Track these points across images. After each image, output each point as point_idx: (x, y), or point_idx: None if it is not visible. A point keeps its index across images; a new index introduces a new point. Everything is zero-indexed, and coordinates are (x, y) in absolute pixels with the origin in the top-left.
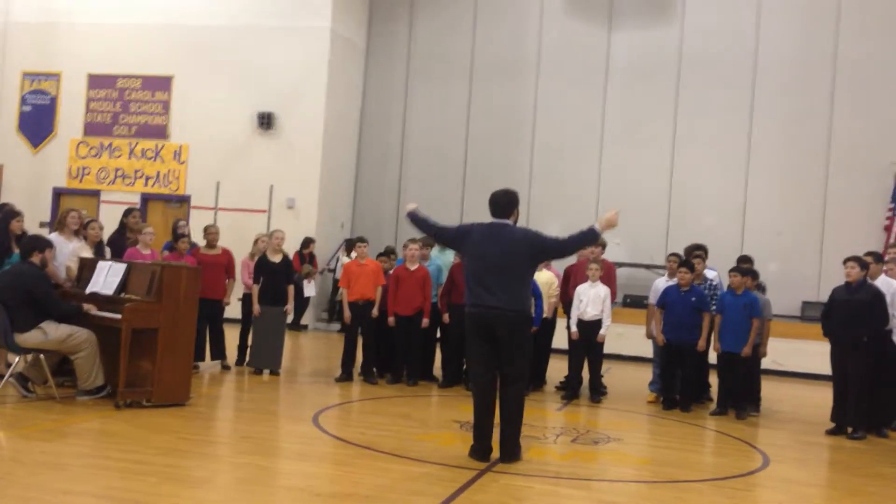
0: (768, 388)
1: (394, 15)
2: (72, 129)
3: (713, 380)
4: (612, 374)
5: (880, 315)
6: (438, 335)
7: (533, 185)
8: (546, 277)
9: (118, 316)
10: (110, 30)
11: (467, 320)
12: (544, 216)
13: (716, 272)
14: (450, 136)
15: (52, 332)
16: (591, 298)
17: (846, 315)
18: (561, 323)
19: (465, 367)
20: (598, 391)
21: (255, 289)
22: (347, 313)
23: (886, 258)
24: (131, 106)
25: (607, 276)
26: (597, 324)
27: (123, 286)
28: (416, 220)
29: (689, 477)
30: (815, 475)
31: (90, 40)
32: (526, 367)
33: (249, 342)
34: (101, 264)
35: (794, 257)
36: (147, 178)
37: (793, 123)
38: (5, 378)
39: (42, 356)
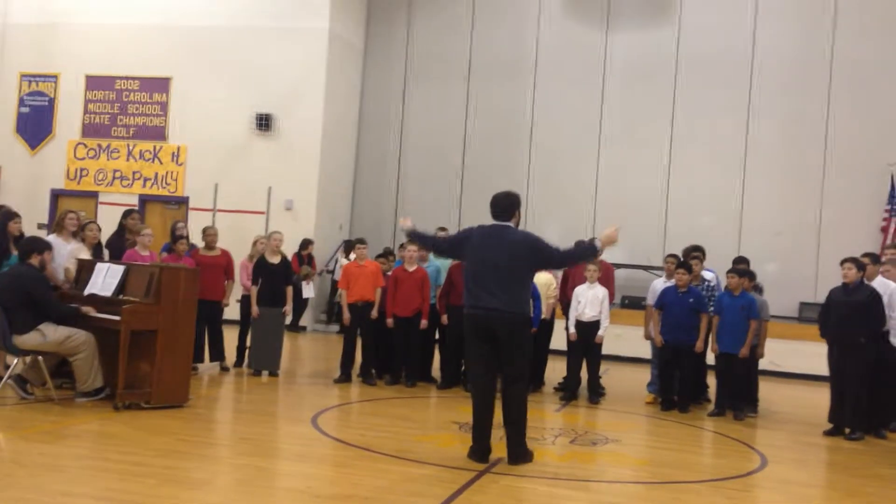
0: (766, 388)
1: (392, 16)
2: (70, 130)
3: (711, 381)
4: (610, 376)
5: (877, 316)
6: (437, 336)
7: (531, 185)
8: (544, 278)
9: (117, 317)
10: (108, 31)
11: (466, 321)
12: (542, 216)
13: (714, 273)
14: (448, 136)
15: (51, 334)
16: (590, 299)
17: (843, 316)
18: (559, 324)
19: (463, 368)
20: (596, 392)
21: (254, 290)
22: (347, 315)
23: (883, 259)
24: (129, 107)
25: (605, 277)
26: (595, 325)
27: (122, 288)
28: (415, 236)
29: (687, 478)
30: (813, 476)
31: (88, 41)
32: (526, 368)
33: (248, 343)
34: (99, 266)
35: (791, 258)
36: (145, 180)
37: (790, 124)
38: (4, 380)
39: (41, 358)
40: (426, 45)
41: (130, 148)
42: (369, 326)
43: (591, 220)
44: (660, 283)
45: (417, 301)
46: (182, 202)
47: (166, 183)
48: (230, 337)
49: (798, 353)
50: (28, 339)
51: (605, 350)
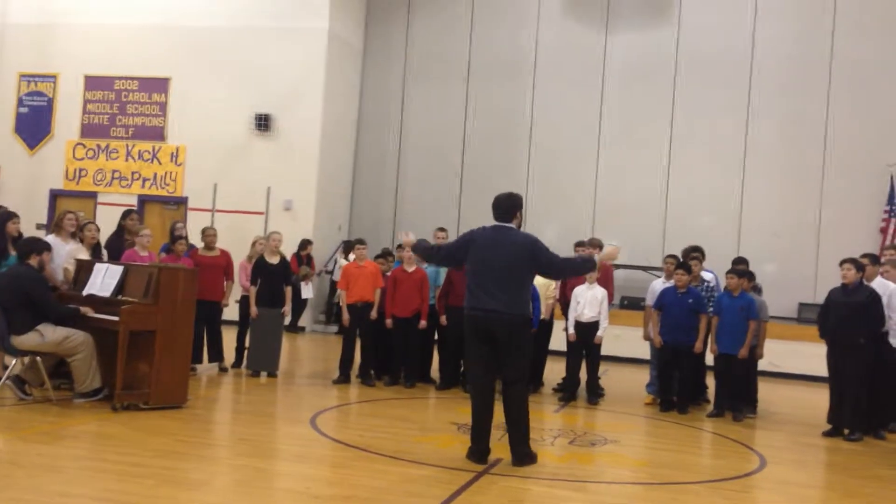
0: (765, 389)
1: (391, 16)
2: (69, 130)
3: (710, 381)
4: (609, 376)
5: (876, 317)
6: (436, 337)
7: (530, 185)
8: (543, 279)
9: (115, 318)
10: (107, 31)
11: (466, 322)
12: (542, 217)
13: (713, 274)
14: (447, 137)
15: (49, 335)
16: (589, 300)
17: (842, 317)
18: (558, 325)
19: (462, 368)
20: (595, 393)
21: (253, 291)
22: (346, 315)
23: (883, 260)
24: (128, 107)
25: (604, 277)
26: (594, 325)
27: (120, 288)
28: (420, 250)
29: (686, 479)
30: (812, 477)
31: (87, 42)
32: (526, 369)
33: (247, 344)
34: (97, 266)
35: (790, 259)
36: (144, 180)
37: (790, 124)
38: (2, 380)
39: (39, 358)
40: (425, 46)
41: (129, 148)
42: (368, 327)
43: (590, 221)
44: (659, 284)
45: (416, 302)
46: (181, 202)
47: (165, 183)
48: (229, 337)
49: (797, 354)
50: (26, 340)
51: (604, 351)
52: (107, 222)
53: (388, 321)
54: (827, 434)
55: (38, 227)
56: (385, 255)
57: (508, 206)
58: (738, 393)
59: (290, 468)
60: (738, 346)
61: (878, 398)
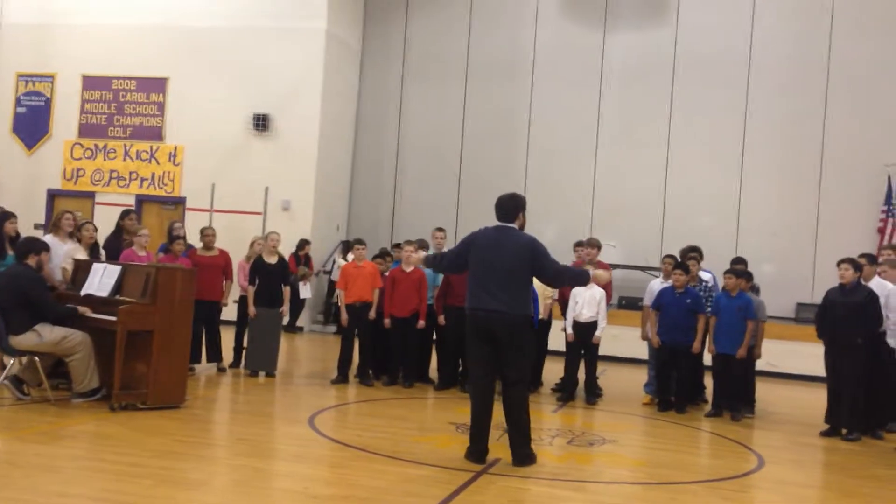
0: (763, 389)
1: (389, 16)
2: (66, 130)
3: (708, 381)
4: (607, 376)
5: (874, 317)
6: (434, 337)
7: (529, 186)
8: None
9: (113, 318)
10: (105, 31)
11: (468, 322)
12: (540, 217)
13: (711, 274)
14: (445, 137)
15: (47, 335)
16: (587, 300)
17: (840, 317)
18: (556, 325)
19: (460, 369)
20: (593, 393)
21: (251, 290)
22: (345, 316)
23: (880, 260)
24: (126, 107)
25: None
26: (592, 325)
27: (118, 288)
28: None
29: (684, 478)
30: (809, 477)
31: (85, 42)
32: (527, 370)
33: (245, 344)
34: (95, 266)
35: (788, 259)
36: (142, 180)
37: (787, 124)
38: (0, 380)
39: (37, 358)
40: (423, 46)
41: (127, 148)
42: (367, 327)
43: (588, 221)
44: (657, 284)
45: (415, 302)
46: (179, 202)
47: (163, 183)
48: (227, 337)
49: (795, 354)
50: (24, 340)
51: (602, 351)
52: (105, 222)
53: (387, 321)
54: (825, 434)
55: (36, 226)
56: (383, 255)
57: (511, 206)
58: (736, 393)
59: (288, 468)
60: (736, 346)
61: (876, 398)
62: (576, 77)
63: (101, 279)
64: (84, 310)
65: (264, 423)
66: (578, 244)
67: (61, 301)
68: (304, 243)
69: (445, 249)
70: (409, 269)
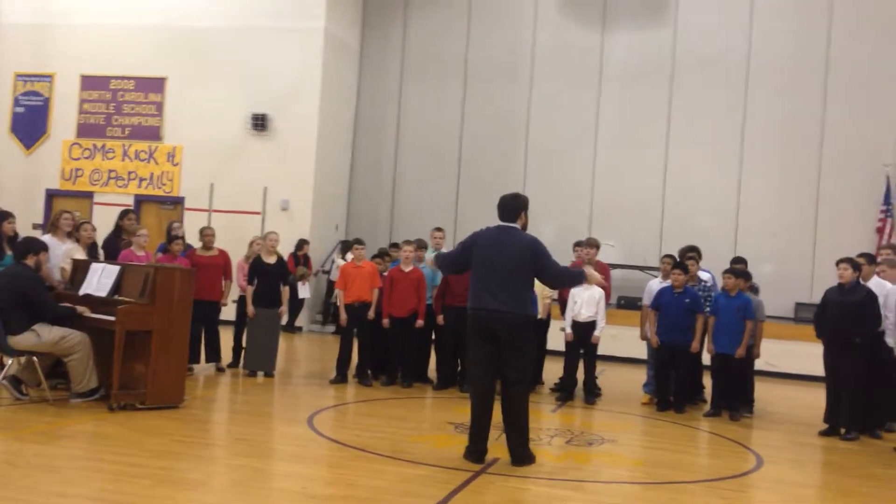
0: (762, 389)
1: (388, 16)
2: (65, 130)
3: (707, 381)
4: (606, 376)
5: (873, 316)
6: (433, 337)
7: (527, 186)
8: None
9: (112, 318)
10: (103, 31)
11: (469, 322)
12: (539, 217)
13: (710, 274)
14: (444, 137)
15: (46, 335)
16: (586, 300)
17: (839, 316)
18: (555, 324)
19: (459, 368)
20: (592, 393)
21: (250, 290)
22: (343, 315)
23: (879, 259)
24: (125, 107)
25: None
26: (591, 325)
27: (117, 288)
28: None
29: (682, 478)
30: (808, 476)
31: (83, 41)
32: (527, 370)
33: (244, 344)
34: (94, 266)
35: (787, 258)
36: (140, 180)
37: (786, 125)
38: None
39: (35, 358)
40: (422, 46)
41: (126, 148)
42: (366, 327)
43: (587, 221)
44: (656, 284)
45: (413, 301)
46: (178, 202)
47: (162, 183)
48: (226, 337)
49: (794, 354)
50: (23, 340)
51: (601, 350)
52: (103, 222)
53: (385, 321)
54: (823, 433)
55: (35, 226)
56: (382, 254)
57: (513, 206)
58: (735, 392)
59: (287, 468)
60: (734, 345)
61: (875, 398)
62: (575, 77)
63: (100, 279)
64: (83, 310)
65: (263, 423)
66: (578, 244)
67: (60, 301)
68: (302, 243)
69: (444, 250)
70: (407, 268)
